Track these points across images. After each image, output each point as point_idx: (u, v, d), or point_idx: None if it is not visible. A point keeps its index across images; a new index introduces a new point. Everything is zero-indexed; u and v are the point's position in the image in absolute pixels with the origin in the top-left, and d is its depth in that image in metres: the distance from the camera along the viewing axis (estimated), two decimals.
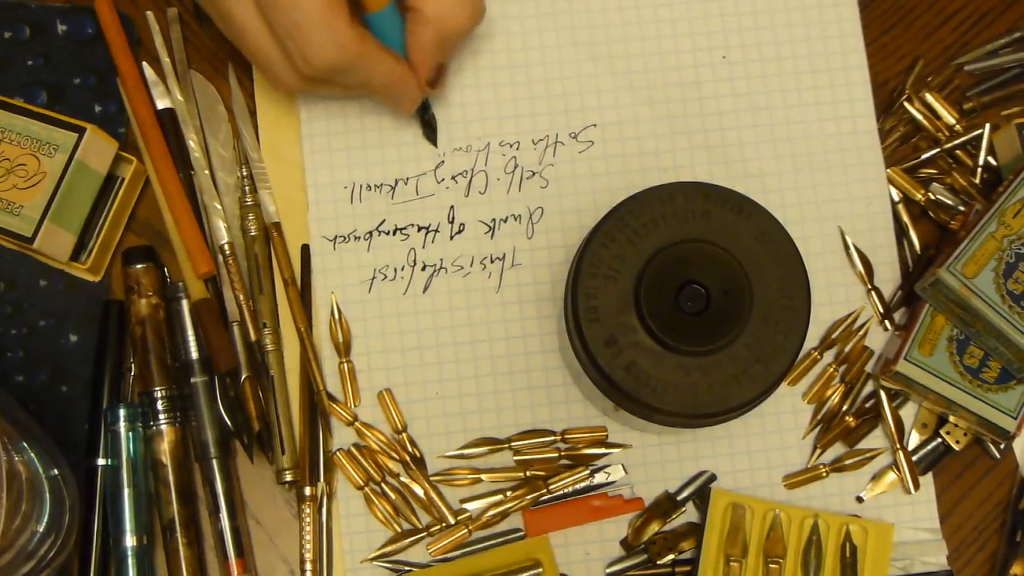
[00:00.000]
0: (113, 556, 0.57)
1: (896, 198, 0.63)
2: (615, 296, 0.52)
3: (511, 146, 0.63)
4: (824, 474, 0.60)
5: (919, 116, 0.64)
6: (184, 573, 0.58)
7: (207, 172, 0.62)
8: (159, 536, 0.59)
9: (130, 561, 0.57)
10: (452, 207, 0.62)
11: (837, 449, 0.61)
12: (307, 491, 0.58)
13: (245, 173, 0.62)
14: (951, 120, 0.64)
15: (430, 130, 0.62)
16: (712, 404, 0.51)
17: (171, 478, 0.58)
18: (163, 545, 0.58)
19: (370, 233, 0.62)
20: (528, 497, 0.59)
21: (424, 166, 0.62)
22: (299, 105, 0.63)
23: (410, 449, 0.60)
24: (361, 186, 0.62)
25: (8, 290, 0.61)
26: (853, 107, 0.64)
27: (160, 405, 0.59)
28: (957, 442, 0.60)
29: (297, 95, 0.62)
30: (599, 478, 0.59)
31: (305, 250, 0.61)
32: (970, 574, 0.60)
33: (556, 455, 0.60)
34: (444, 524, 0.59)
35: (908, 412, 0.61)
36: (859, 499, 0.60)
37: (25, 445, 0.54)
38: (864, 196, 0.63)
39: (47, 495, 0.54)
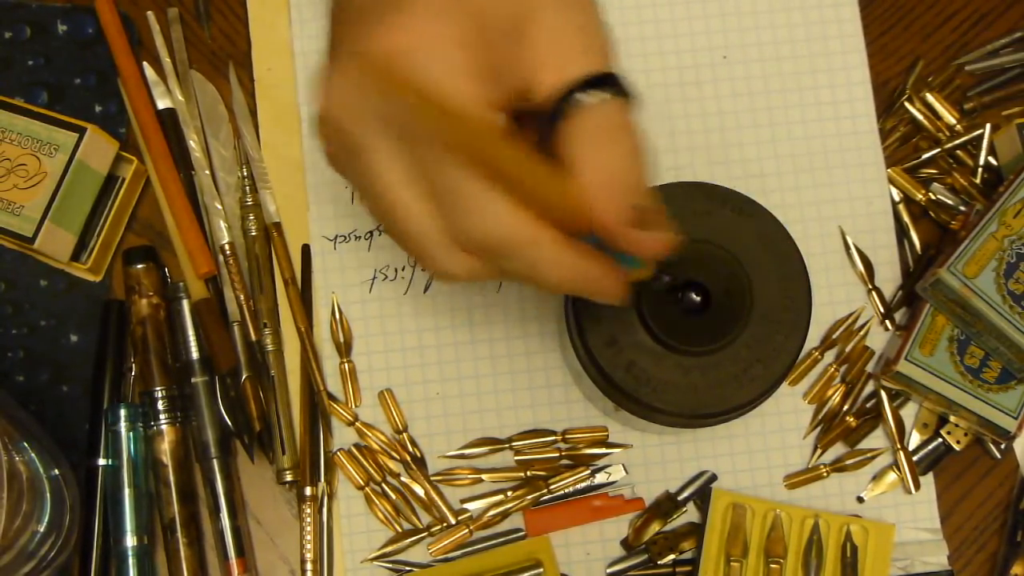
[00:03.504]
0: (114, 556, 0.58)
1: (897, 198, 0.63)
2: None
3: None
4: (825, 474, 0.60)
5: (919, 116, 0.64)
6: (184, 573, 0.58)
7: (207, 172, 0.62)
8: (159, 536, 0.59)
9: (130, 561, 0.57)
10: None
11: (838, 449, 0.61)
12: (307, 491, 0.58)
13: (245, 173, 0.62)
14: (951, 120, 0.64)
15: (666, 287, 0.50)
16: (712, 404, 0.51)
17: (172, 478, 0.58)
18: (163, 545, 0.58)
19: (370, 233, 0.62)
20: (529, 497, 0.59)
21: None
22: (299, 105, 0.63)
23: (410, 449, 0.60)
24: None
25: (8, 290, 0.61)
26: (853, 107, 0.64)
27: (161, 405, 0.59)
28: (958, 442, 0.60)
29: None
30: (600, 478, 0.59)
31: (305, 250, 0.61)
32: (971, 574, 0.60)
33: (557, 455, 0.60)
34: (445, 524, 0.59)
35: (909, 412, 0.61)
36: (860, 499, 0.60)
37: (26, 445, 0.54)
38: (864, 196, 0.63)
39: (48, 495, 0.54)
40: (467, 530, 0.59)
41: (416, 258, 0.45)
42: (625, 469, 0.60)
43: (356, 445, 0.60)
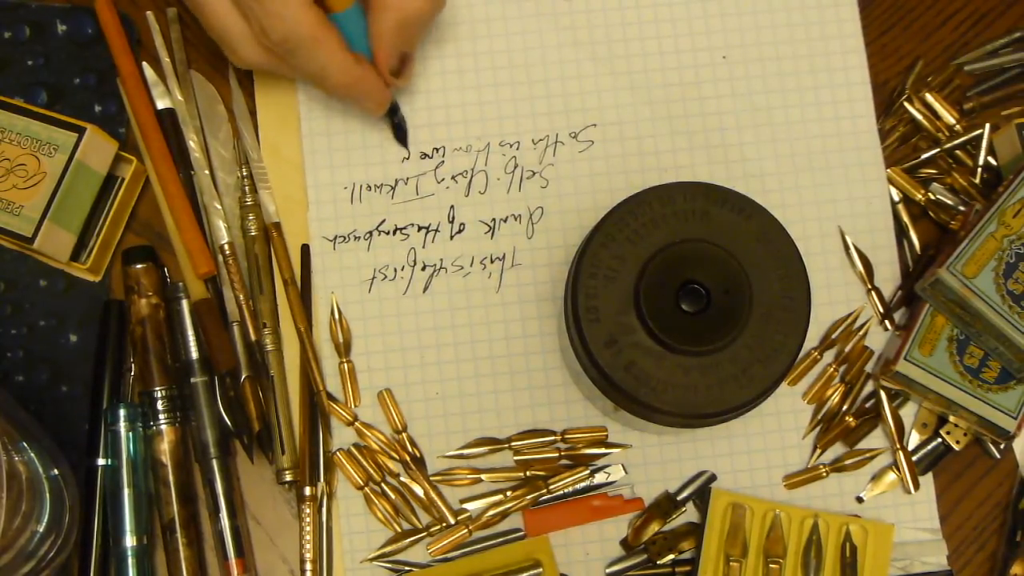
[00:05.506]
0: (113, 556, 0.57)
1: (896, 198, 0.63)
2: (615, 296, 0.52)
3: (511, 146, 0.63)
4: (824, 474, 0.60)
5: (919, 116, 0.64)
6: (184, 573, 0.58)
7: (207, 172, 0.62)
8: (159, 536, 0.59)
9: (130, 561, 0.57)
10: (452, 207, 0.62)
11: (837, 449, 0.61)
12: (307, 491, 0.59)
13: (245, 173, 0.62)
14: (951, 120, 0.64)
15: (400, 132, 0.62)
16: (712, 404, 0.51)
17: (171, 478, 0.58)
18: (163, 545, 0.58)
19: (370, 233, 0.62)
20: (528, 497, 0.59)
21: (424, 166, 0.62)
22: (299, 105, 0.63)
23: (410, 449, 0.60)
24: (361, 186, 0.62)
25: (8, 290, 0.61)
26: (853, 107, 0.64)
27: (160, 405, 0.59)
28: (957, 442, 0.60)
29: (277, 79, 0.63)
30: (599, 478, 0.59)
31: (305, 250, 0.61)
32: (970, 574, 0.60)
33: (556, 455, 0.60)
34: (444, 524, 0.59)
35: (908, 412, 0.61)
36: (859, 499, 0.60)
37: (25, 445, 0.54)
38: (864, 196, 0.63)
39: (47, 495, 0.54)
40: (466, 530, 0.59)
41: (224, 50, 0.56)
42: (624, 469, 0.60)
43: (355, 445, 0.60)
